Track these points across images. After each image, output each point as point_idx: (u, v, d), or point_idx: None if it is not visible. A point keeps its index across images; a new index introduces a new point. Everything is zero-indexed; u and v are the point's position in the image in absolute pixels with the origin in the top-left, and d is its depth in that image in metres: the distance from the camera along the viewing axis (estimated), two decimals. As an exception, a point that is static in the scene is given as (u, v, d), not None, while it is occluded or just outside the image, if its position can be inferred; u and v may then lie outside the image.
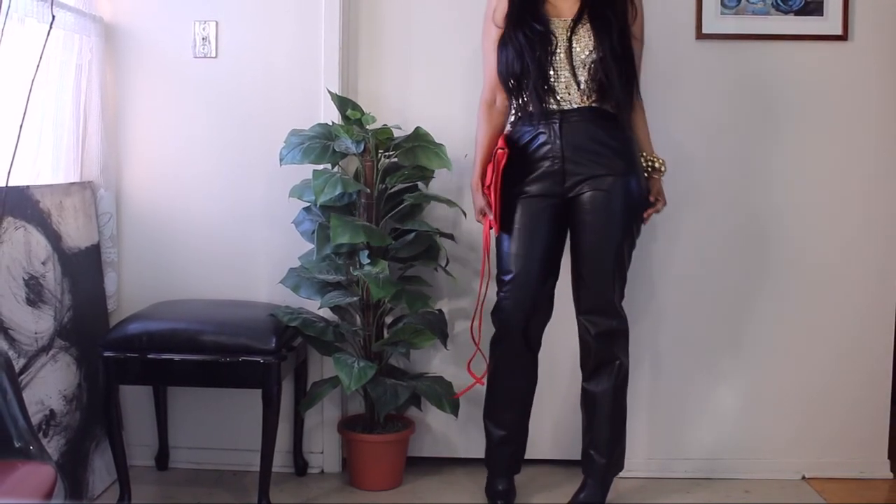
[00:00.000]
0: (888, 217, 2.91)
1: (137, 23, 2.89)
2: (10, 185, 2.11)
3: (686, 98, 2.89)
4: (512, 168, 2.50)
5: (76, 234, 2.68)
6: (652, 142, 2.64)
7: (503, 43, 2.51)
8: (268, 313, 2.68)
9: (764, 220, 2.92)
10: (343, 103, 2.74)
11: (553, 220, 2.52)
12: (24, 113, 2.04)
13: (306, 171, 2.71)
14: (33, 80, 2.07)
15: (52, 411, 2.48)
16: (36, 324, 2.42)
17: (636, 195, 2.51)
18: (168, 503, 2.72)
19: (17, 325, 2.34)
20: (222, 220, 2.93)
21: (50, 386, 2.48)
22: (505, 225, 2.54)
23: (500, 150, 2.48)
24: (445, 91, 2.92)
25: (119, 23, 2.89)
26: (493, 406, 2.66)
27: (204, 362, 2.52)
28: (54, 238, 2.55)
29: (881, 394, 2.95)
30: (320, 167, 2.68)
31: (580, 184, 2.48)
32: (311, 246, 2.75)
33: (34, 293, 2.43)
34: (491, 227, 2.56)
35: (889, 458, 2.97)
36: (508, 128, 2.62)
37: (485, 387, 2.67)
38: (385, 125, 2.73)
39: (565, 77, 2.47)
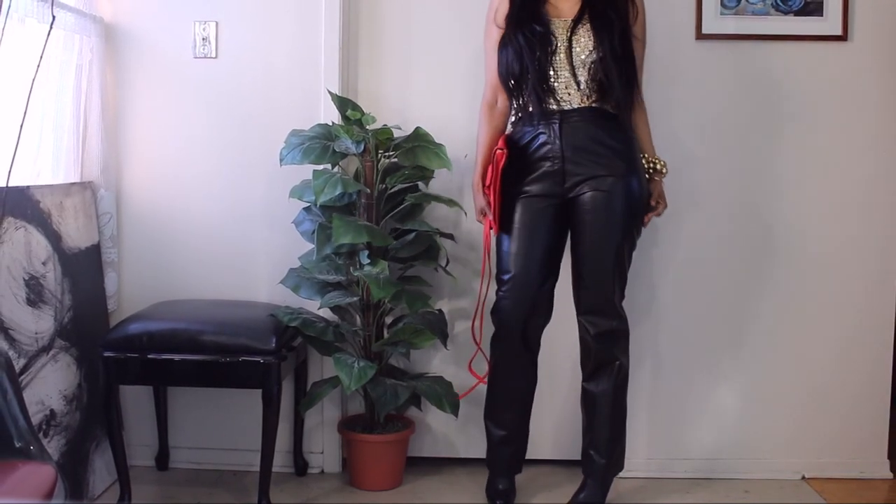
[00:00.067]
0: (888, 217, 2.91)
1: (138, 23, 2.89)
2: (10, 185, 2.11)
3: (686, 98, 2.89)
4: (512, 168, 2.51)
5: (76, 235, 2.68)
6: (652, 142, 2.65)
7: (503, 44, 2.51)
8: (268, 313, 2.68)
9: (763, 220, 2.93)
10: (343, 103, 2.75)
11: (553, 220, 2.53)
12: (25, 113, 2.04)
13: (306, 171, 2.71)
14: (33, 81, 2.08)
15: (52, 411, 2.48)
16: (36, 324, 2.43)
17: (637, 196, 2.51)
18: (168, 503, 2.72)
19: (18, 325, 2.34)
20: (222, 220, 2.93)
21: (50, 386, 2.48)
22: (504, 225, 2.54)
23: (498, 151, 2.48)
24: (445, 91, 2.92)
25: (119, 23, 2.89)
26: (494, 406, 2.66)
27: (204, 362, 2.53)
28: (54, 238, 2.56)
29: (881, 394, 2.95)
30: (320, 167, 2.68)
31: (580, 184, 2.48)
32: (311, 246, 2.75)
33: (34, 293, 2.43)
34: (491, 228, 2.56)
35: (889, 458, 2.97)
36: (509, 128, 2.63)
37: (486, 387, 2.67)
38: (385, 125, 2.73)
39: (565, 77, 2.47)
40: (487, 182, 2.53)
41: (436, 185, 2.87)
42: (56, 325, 2.52)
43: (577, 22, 2.47)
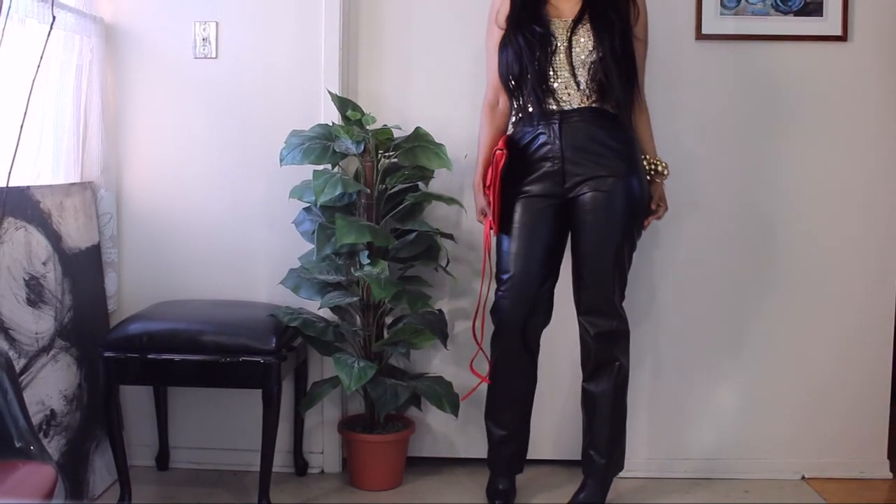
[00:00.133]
0: (888, 217, 2.91)
1: (138, 23, 2.89)
2: (10, 185, 2.11)
3: (686, 98, 2.89)
4: (513, 169, 2.51)
5: (76, 235, 2.69)
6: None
7: (503, 44, 2.51)
8: (268, 313, 2.68)
9: (763, 220, 2.93)
10: (343, 104, 2.75)
11: (554, 220, 2.53)
12: (25, 113, 2.04)
13: (306, 171, 2.71)
14: (34, 81, 2.08)
15: (52, 411, 2.48)
16: (36, 324, 2.43)
17: (637, 196, 2.51)
18: (168, 503, 2.72)
19: (18, 325, 2.34)
20: (222, 220, 2.93)
21: (50, 386, 2.48)
22: (504, 225, 2.55)
23: (498, 152, 2.48)
24: (446, 91, 2.92)
25: (119, 23, 2.89)
26: (494, 406, 2.66)
27: (204, 362, 2.53)
28: (55, 238, 2.56)
29: (881, 394, 2.95)
30: (320, 167, 2.69)
31: (580, 184, 2.48)
32: (310, 246, 2.75)
33: (35, 293, 2.43)
34: (491, 228, 2.57)
35: (889, 458, 2.97)
36: (511, 129, 2.63)
37: (486, 387, 2.67)
38: (385, 125, 2.73)
39: (564, 78, 2.47)
40: (488, 182, 2.53)
41: (436, 185, 2.88)
42: (56, 326, 2.52)
43: (577, 22, 2.47)
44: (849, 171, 2.91)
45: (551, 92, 2.47)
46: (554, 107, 2.48)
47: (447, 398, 2.74)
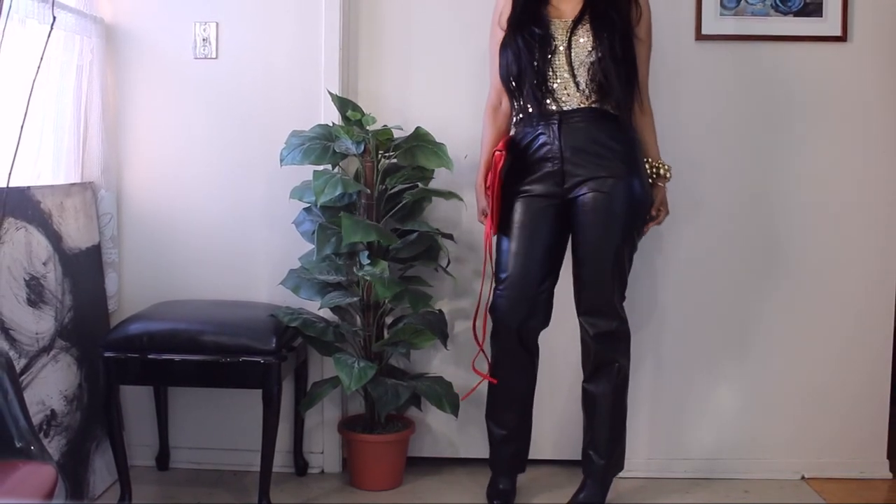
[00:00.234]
0: (888, 217, 2.92)
1: (138, 24, 2.89)
2: (11, 185, 2.11)
3: (685, 99, 2.89)
4: (514, 169, 2.51)
5: (77, 235, 2.69)
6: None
7: (504, 46, 2.52)
8: (268, 314, 2.68)
9: (762, 221, 2.93)
10: (343, 104, 2.75)
11: (554, 220, 2.53)
12: (25, 114, 2.04)
13: (306, 171, 2.71)
14: (34, 82, 2.08)
15: (52, 411, 2.49)
16: (37, 324, 2.43)
17: (638, 197, 2.51)
18: (168, 503, 2.72)
19: (18, 325, 2.35)
20: (223, 220, 2.94)
21: (51, 386, 2.48)
22: (504, 225, 2.55)
23: (497, 153, 2.48)
24: (446, 91, 2.93)
25: (119, 24, 2.89)
26: (494, 406, 2.67)
27: (204, 362, 2.53)
28: (55, 238, 2.56)
29: (880, 394, 2.95)
30: (320, 168, 2.69)
31: (580, 185, 2.48)
32: (310, 247, 2.75)
33: (35, 294, 2.43)
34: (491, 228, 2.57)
35: (888, 458, 2.97)
36: (513, 129, 2.63)
37: (486, 386, 2.68)
38: (385, 126, 2.73)
39: (563, 78, 2.47)
40: (488, 184, 2.53)
41: (436, 186, 2.87)
42: (57, 326, 2.52)
43: (577, 22, 2.47)
44: (849, 171, 2.91)
45: (550, 92, 2.48)
46: (553, 107, 2.48)
47: (447, 398, 2.74)
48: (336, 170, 2.72)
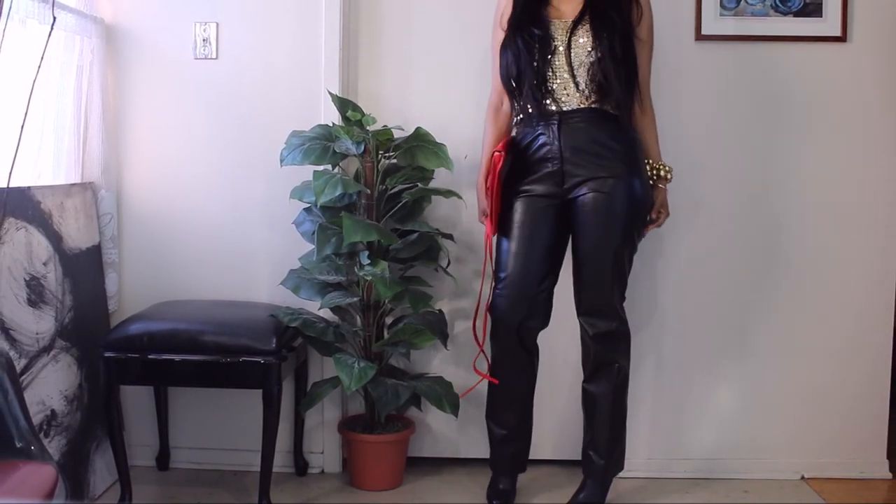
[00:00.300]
0: (887, 217, 2.92)
1: (138, 24, 2.90)
2: (11, 185, 2.12)
3: (685, 99, 2.89)
4: (514, 170, 2.52)
5: (77, 235, 2.69)
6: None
7: (504, 46, 2.52)
8: (268, 314, 2.68)
9: (762, 221, 2.93)
10: (343, 104, 2.75)
11: (554, 220, 2.53)
12: (26, 114, 2.04)
13: (306, 171, 2.71)
14: (34, 82, 2.08)
15: (53, 411, 2.49)
16: (37, 324, 2.43)
17: (639, 198, 2.51)
18: (169, 503, 2.73)
19: (19, 325, 2.35)
20: (223, 220, 2.94)
21: (51, 386, 2.49)
22: (503, 226, 2.55)
23: (496, 154, 2.48)
24: (446, 91, 2.93)
25: (120, 24, 2.89)
26: (494, 405, 2.67)
27: (205, 363, 2.53)
28: (55, 239, 2.56)
29: (880, 394, 2.95)
30: (321, 168, 2.69)
31: (580, 185, 2.48)
32: (311, 247, 2.75)
33: (35, 294, 2.44)
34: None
35: (888, 458, 2.98)
36: (514, 130, 2.63)
37: (486, 386, 2.68)
38: (385, 126, 2.73)
39: (563, 78, 2.47)
40: (488, 184, 2.54)
41: (437, 186, 2.87)
42: (57, 326, 2.53)
43: (577, 23, 2.47)
44: (849, 171, 2.91)
45: (550, 93, 2.48)
46: (553, 108, 2.49)
47: (447, 398, 2.74)
48: (336, 170, 2.72)
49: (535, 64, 2.46)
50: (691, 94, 2.90)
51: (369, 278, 2.61)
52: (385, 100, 2.94)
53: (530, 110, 2.51)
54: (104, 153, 2.82)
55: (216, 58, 2.90)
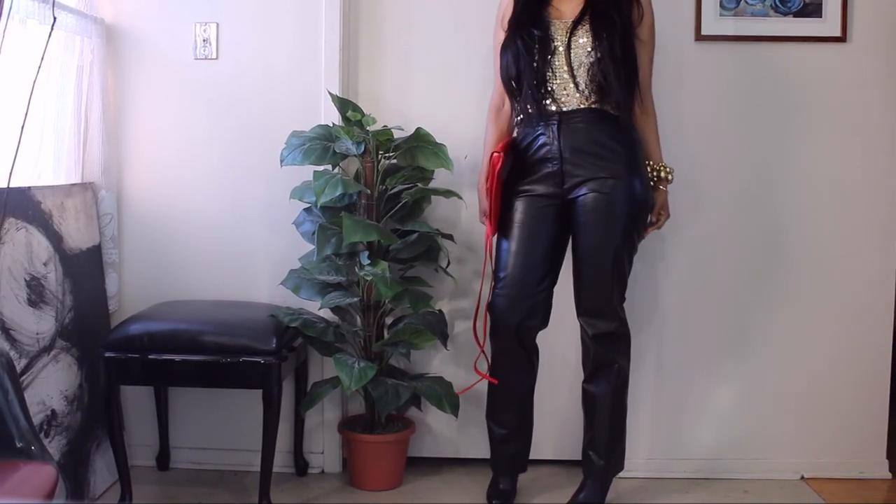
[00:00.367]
0: (887, 218, 2.92)
1: (138, 24, 2.90)
2: (11, 186, 2.12)
3: (684, 99, 2.89)
4: (515, 170, 2.52)
5: (77, 235, 2.69)
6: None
7: (504, 47, 2.52)
8: (268, 314, 2.69)
9: (762, 220, 2.93)
10: (343, 105, 2.75)
11: (554, 220, 2.53)
12: (26, 114, 2.05)
13: (307, 172, 2.71)
14: (35, 82, 2.08)
15: (53, 412, 2.49)
16: (37, 324, 2.43)
17: (639, 198, 2.51)
18: (169, 503, 2.73)
19: (19, 325, 2.35)
20: (223, 220, 2.94)
21: (51, 386, 2.49)
22: (503, 226, 2.55)
23: (495, 155, 2.48)
24: (446, 91, 2.93)
25: (120, 24, 2.89)
26: (494, 405, 2.67)
27: (205, 363, 2.53)
28: (55, 239, 2.56)
29: (880, 394, 2.96)
30: (321, 168, 2.69)
31: (580, 185, 2.48)
32: (311, 247, 2.75)
33: (35, 294, 2.44)
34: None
35: (888, 458, 2.98)
36: (515, 130, 2.64)
37: (486, 386, 2.68)
38: (385, 126, 2.73)
39: (563, 79, 2.47)
40: (488, 185, 2.54)
41: (436, 187, 2.87)
42: (57, 326, 2.53)
43: (577, 23, 2.47)
44: (848, 171, 2.91)
45: (549, 93, 2.48)
46: (553, 108, 2.49)
47: (447, 398, 2.74)
48: (336, 170, 2.73)
49: (535, 64, 2.47)
50: (691, 95, 2.90)
51: (369, 278, 2.62)
52: (385, 100, 2.94)
53: (530, 110, 2.51)
54: (104, 153, 2.82)
55: (216, 58, 2.90)
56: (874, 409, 2.96)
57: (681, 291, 2.95)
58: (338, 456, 2.99)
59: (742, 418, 2.97)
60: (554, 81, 2.48)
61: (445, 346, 2.86)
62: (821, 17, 2.86)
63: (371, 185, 2.73)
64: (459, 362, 2.95)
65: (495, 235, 2.60)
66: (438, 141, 2.71)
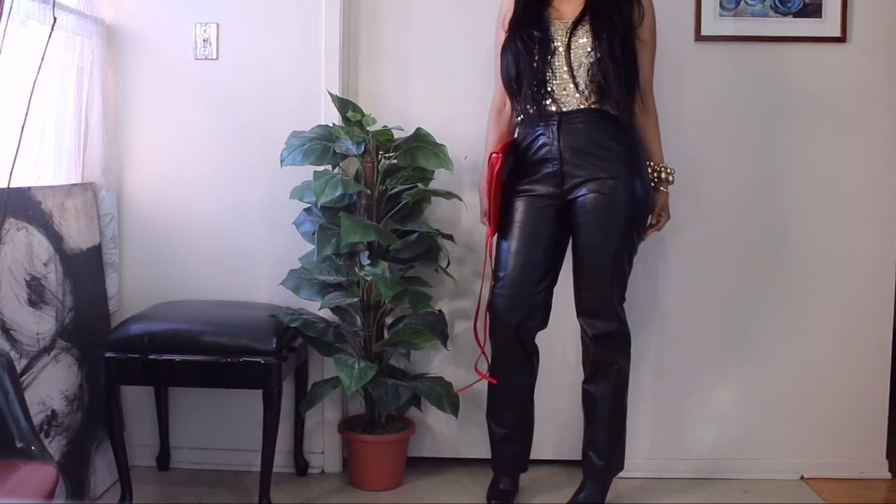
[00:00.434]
0: (887, 218, 2.92)
1: (139, 25, 2.90)
2: (11, 186, 2.12)
3: (684, 99, 2.90)
4: (515, 170, 2.52)
5: (78, 236, 2.69)
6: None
7: (504, 48, 2.52)
8: (268, 314, 2.69)
9: (761, 221, 2.93)
10: (343, 105, 2.75)
11: (555, 220, 2.53)
12: (26, 115, 2.05)
13: (307, 172, 2.72)
14: (35, 82, 2.08)
15: (53, 412, 2.49)
16: (37, 324, 2.43)
17: (640, 198, 2.51)
18: (169, 503, 2.73)
19: (19, 325, 2.35)
20: (223, 221, 2.94)
21: (51, 386, 2.49)
22: (503, 226, 2.55)
23: (493, 156, 2.48)
24: (446, 91, 2.93)
25: (120, 24, 2.90)
26: (494, 405, 2.67)
27: (205, 363, 2.53)
28: (56, 239, 2.56)
29: (879, 394, 2.96)
30: (321, 168, 2.69)
31: (580, 186, 2.48)
32: (311, 247, 2.76)
33: (36, 294, 2.44)
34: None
35: (887, 458, 2.98)
36: (516, 131, 2.64)
37: (486, 386, 2.68)
38: (385, 127, 2.74)
39: (563, 79, 2.47)
40: (487, 185, 2.54)
41: (436, 187, 2.87)
42: (57, 326, 2.53)
43: (577, 23, 2.47)
44: (848, 171, 2.91)
45: (549, 93, 2.48)
46: (553, 108, 2.49)
47: (447, 398, 2.75)
48: (336, 170, 2.73)
49: (535, 65, 2.47)
50: (691, 95, 2.90)
51: (369, 278, 2.62)
52: (385, 100, 2.94)
53: (530, 111, 2.51)
54: (105, 154, 2.82)
55: (216, 58, 2.91)
56: (874, 409, 2.96)
57: (681, 292, 2.95)
58: (338, 456, 2.99)
59: (742, 418, 2.97)
60: (554, 82, 2.48)
61: (445, 347, 2.86)
62: (820, 17, 2.86)
63: (371, 185, 2.73)
64: (459, 362, 2.95)
65: (495, 236, 2.60)
66: (438, 141, 2.71)
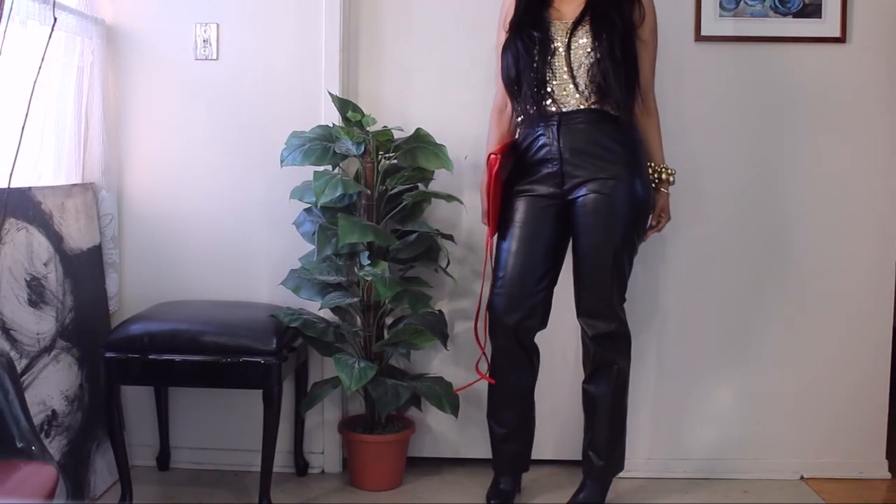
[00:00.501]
0: (888, 217, 2.92)
1: (139, 25, 2.90)
2: (12, 186, 2.12)
3: (684, 100, 2.90)
4: (515, 170, 2.52)
5: (78, 236, 2.69)
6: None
7: (505, 48, 2.52)
8: (268, 314, 2.69)
9: (761, 221, 2.93)
10: (343, 105, 2.76)
11: (555, 220, 2.53)
12: (26, 115, 2.05)
13: (307, 172, 2.72)
14: (35, 83, 2.09)
15: (53, 412, 2.49)
16: (38, 325, 2.44)
17: (640, 198, 2.51)
18: (169, 503, 2.73)
19: (19, 325, 2.35)
20: (223, 221, 2.94)
21: (52, 386, 2.49)
22: (503, 226, 2.55)
23: (492, 157, 2.48)
24: (446, 92, 2.93)
25: (120, 25, 2.90)
26: (494, 405, 2.67)
27: (205, 363, 2.53)
28: (56, 239, 2.57)
29: (879, 394, 2.96)
30: (321, 169, 2.69)
31: (580, 186, 2.48)
32: (311, 247, 2.76)
33: (36, 294, 2.44)
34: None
35: (887, 458, 2.98)
36: (517, 131, 2.64)
37: (486, 386, 2.68)
38: (385, 127, 2.74)
39: (563, 79, 2.47)
40: (486, 186, 2.54)
41: (437, 187, 2.87)
42: (57, 326, 2.53)
43: (577, 24, 2.47)
44: (848, 171, 2.91)
45: (549, 94, 2.48)
46: (553, 108, 2.49)
47: (447, 398, 2.75)
48: (336, 171, 2.73)
49: (535, 65, 2.47)
50: (691, 95, 2.90)
51: (369, 279, 2.62)
52: (385, 100, 2.94)
53: (530, 111, 2.51)
54: (105, 154, 2.82)
55: (216, 59, 2.91)
56: (874, 409, 2.96)
57: (681, 292, 2.95)
58: (338, 456, 2.99)
59: (742, 418, 2.97)
60: (554, 82, 2.48)
61: (445, 347, 2.86)
62: (820, 17, 2.86)
63: (371, 185, 2.73)
64: (459, 362, 2.95)
65: (495, 236, 2.60)
66: (438, 141, 2.71)
